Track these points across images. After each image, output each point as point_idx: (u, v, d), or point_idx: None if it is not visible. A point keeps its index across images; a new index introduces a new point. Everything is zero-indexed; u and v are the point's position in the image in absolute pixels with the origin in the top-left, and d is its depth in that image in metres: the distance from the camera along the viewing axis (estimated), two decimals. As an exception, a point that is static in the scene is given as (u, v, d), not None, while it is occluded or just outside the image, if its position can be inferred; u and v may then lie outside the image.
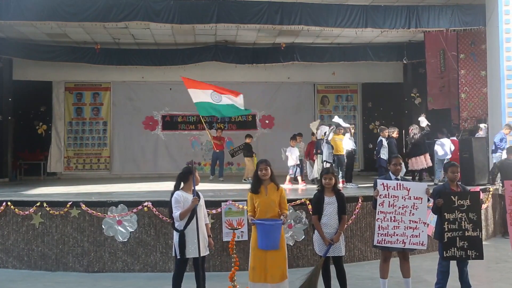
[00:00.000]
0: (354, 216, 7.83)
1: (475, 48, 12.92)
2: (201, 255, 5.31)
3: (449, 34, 12.38)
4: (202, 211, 5.48)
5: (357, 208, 7.88)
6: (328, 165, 10.54)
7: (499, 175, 9.78)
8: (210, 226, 5.65)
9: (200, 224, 5.33)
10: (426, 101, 14.65)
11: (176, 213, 5.28)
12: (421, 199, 5.47)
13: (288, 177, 11.61)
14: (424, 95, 14.88)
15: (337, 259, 5.59)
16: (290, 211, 7.58)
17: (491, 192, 9.70)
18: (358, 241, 7.93)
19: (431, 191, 5.58)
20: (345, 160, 11.02)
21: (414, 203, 5.46)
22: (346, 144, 11.01)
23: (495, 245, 8.82)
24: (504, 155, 10.01)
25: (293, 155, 11.63)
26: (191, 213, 5.26)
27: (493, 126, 11.45)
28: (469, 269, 5.61)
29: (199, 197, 5.38)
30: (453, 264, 5.54)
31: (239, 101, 11.42)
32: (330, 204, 5.55)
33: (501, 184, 10.18)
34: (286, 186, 11.16)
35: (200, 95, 11.25)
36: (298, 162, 11.71)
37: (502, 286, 6.13)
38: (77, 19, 10.88)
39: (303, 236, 7.64)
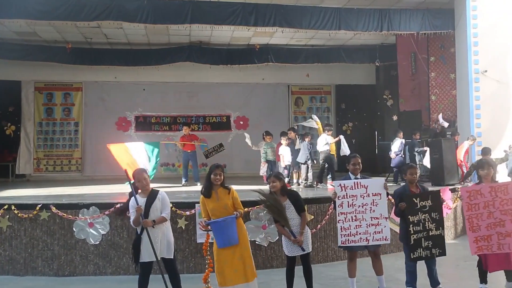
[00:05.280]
0: (327, 216, 7.89)
1: (444, 51, 13.23)
2: (156, 259, 5.17)
3: (420, 37, 12.64)
4: (157, 213, 5.25)
5: (330, 209, 7.92)
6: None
7: (473, 174, 10.05)
8: (167, 219, 5.36)
9: (153, 229, 5.18)
10: (398, 103, 14.93)
11: (131, 220, 5.25)
12: (380, 194, 5.53)
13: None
14: (396, 96, 15.16)
15: (304, 256, 5.56)
16: (264, 211, 7.59)
17: (460, 192, 9.91)
18: (332, 241, 7.98)
19: (390, 190, 5.66)
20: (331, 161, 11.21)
21: (373, 199, 5.51)
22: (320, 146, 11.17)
23: (463, 244, 8.97)
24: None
25: (286, 155, 10.97)
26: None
27: (462, 127, 11.74)
28: (438, 267, 5.73)
29: (148, 204, 5.22)
30: (421, 262, 5.64)
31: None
32: (287, 209, 5.47)
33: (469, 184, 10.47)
34: None
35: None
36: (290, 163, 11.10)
37: (470, 283, 6.26)
38: (47, 17, 10.67)
39: (277, 237, 7.65)
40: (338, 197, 5.54)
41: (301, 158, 10.99)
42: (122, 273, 7.33)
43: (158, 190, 5.40)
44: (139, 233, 5.22)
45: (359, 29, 11.94)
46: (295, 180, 11.32)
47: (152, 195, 5.30)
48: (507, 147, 10.58)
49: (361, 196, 5.51)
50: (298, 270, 5.66)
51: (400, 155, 11.64)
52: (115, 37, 14.25)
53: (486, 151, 9.76)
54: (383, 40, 14.91)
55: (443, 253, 5.56)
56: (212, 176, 5.31)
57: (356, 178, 5.67)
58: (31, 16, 10.56)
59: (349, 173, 5.77)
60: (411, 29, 12.12)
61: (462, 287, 6.35)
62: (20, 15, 10.44)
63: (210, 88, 16.49)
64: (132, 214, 5.23)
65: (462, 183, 10.53)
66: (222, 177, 5.35)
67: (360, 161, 5.76)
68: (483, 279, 5.77)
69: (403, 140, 11.72)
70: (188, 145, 12.19)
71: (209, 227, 5.33)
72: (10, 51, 14.14)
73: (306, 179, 10.88)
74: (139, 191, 5.35)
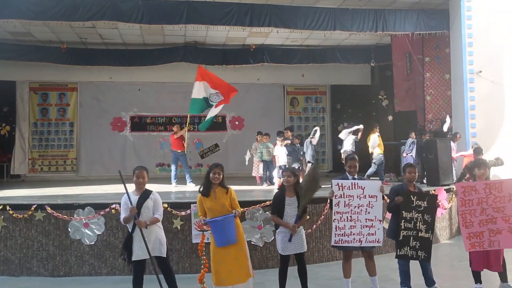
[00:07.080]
0: (322, 216, 7.91)
1: (439, 52, 13.27)
2: (149, 256, 5.18)
3: (415, 37, 12.67)
4: (148, 213, 5.27)
5: (326, 209, 7.95)
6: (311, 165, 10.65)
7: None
8: (160, 220, 5.38)
9: (145, 228, 5.20)
10: (393, 103, 14.96)
11: (121, 216, 5.26)
12: (376, 197, 5.56)
13: (278, 180, 10.90)
14: (391, 97, 15.18)
15: (299, 256, 5.58)
16: (260, 212, 7.61)
17: (455, 192, 9.95)
18: (327, 241, 7.98)
19: (385, 189, 5.70)
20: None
21: (369, 201, 5.54)
22: (347, 146, 11.65)
23: (458, 244, 9.01)
24: None
25: (281, 156, 11.01)
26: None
27: (457, 128, 11.78)
28: (433, 267, 5.75)
29: (140, 203, 5.24)
30: (416, 262, 5.67)
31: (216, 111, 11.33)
32: (290, 205, 5.51)
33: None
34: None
35: (200, 91, 10.95)
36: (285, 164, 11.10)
37: (464, 283, 6.30)
38: (42, 17, 10.62)
39: (272, 237, 7.66)
40: (335, 196, 5.55)
41: (312, 158, 11.01)
42: (117, 273, 7.33)
43: (152, 191, 5.42)
44: (130, 231, 5.24)
45: (354, 30, 11.97)
46: None
47: (145, 195, 5.32)
48: (498, 154, 10.55)
49: (357, 197, 5.54)
50: (294, 270, 5.67)
51: (410, 154, 11.84)
52: (110, 37, 14.21)
53: (478, 151, 9.80)
54: (378, 40, 14.93)
55: (427, 258, 5.57)
56: (211, 174, 5.34)
57: (353, 178, 5.68)
58: (25, 16, 10.50)
59: (346, 173, 5.78)
60: (406, 30, 12.16)
61: (456, 287, 6.38)
62: (14, 15, 10.39)
63: (205, 88, 16.46)
64: (123, 211, 5.26)
65: (458, 183, 10.55)
66: (221, 176, 5.37)
67: (356, 163, 5.74)
68: (477, 279, 5.80)
69: (414, 141, 11.82)
70: (178, 144, 11.95)
71: (204, 227, 5.34)
72: (4, 51, 14.06)
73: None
74: (133, 188, 5.37)
